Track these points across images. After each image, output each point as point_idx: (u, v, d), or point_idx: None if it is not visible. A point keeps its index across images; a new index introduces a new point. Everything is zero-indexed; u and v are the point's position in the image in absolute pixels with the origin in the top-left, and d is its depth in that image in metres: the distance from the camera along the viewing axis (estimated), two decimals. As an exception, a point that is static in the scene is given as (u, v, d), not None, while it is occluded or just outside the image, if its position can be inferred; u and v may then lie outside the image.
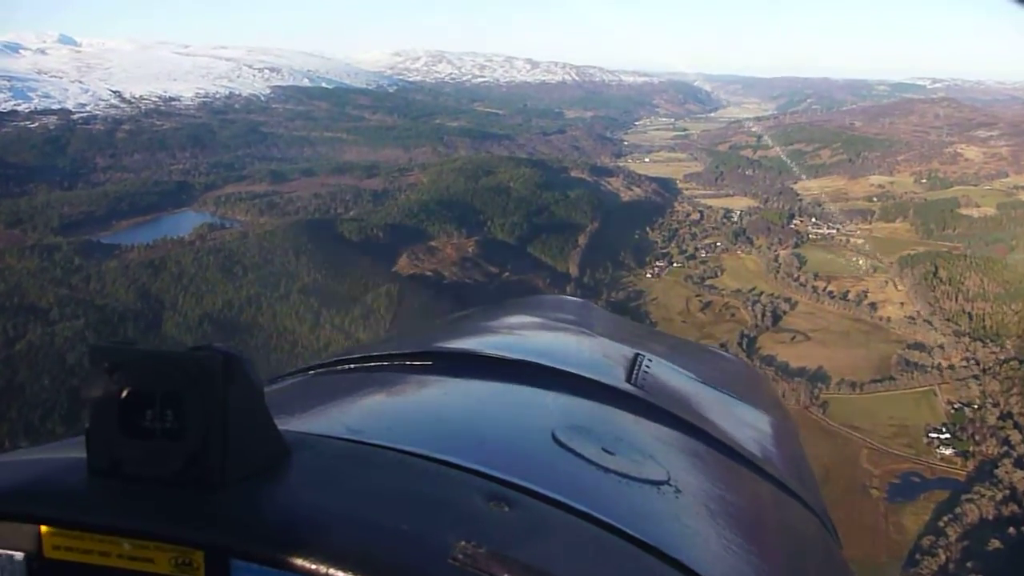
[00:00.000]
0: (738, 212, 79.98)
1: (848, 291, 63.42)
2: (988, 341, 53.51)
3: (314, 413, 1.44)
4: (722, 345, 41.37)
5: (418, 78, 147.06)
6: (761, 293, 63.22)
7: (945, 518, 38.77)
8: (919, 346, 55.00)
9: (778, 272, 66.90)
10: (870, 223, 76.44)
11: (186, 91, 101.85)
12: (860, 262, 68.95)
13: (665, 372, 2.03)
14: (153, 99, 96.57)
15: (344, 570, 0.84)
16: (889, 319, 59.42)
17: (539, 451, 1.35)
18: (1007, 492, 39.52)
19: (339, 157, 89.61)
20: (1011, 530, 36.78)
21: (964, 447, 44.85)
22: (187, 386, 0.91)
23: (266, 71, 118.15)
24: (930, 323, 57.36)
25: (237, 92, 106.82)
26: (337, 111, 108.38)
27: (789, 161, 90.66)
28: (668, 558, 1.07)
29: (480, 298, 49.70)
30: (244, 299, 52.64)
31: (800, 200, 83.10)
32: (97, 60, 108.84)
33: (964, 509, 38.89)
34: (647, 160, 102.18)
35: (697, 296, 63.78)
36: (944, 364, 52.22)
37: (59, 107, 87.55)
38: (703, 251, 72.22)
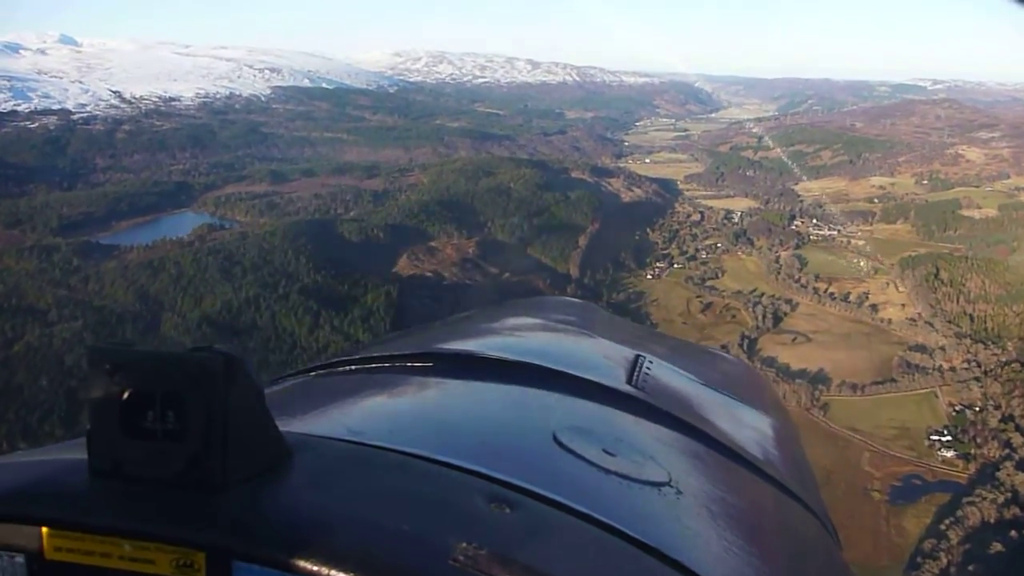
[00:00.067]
0: (739, 213, 79.97)
1: (849, 293, 63.41)
2: (989, 343, 53.47)
3: (315, 414, 1.44)
4: (723, 347, 41.33)
5: (419, 78, 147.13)
6: (762, 294, 63.21)
7: (947, 521, 38.72)
8: (920, 348, 54.95)
9: (779, 273, 66.88)
10: (871, 224, 76.46)
11: (186, 91, 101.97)
12: (861, 263, 68.94)
13: (666, 374, 2.03)
14: (153, 99, 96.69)
15: (345, 571, 0.85)
16: (890, 321, 59.39)
17: (540, 452, 1.35)
18: (1009, 495, 39.48)
19: (339, 157, 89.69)
20: (1013, 533, 36.74)
21: (965, 449, 44.80)
22: (188, 387, 0.92)
23: (266, 71, 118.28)
24: (931, 325, 57.31)
25: (237, 92, 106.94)
26: (337, 111, 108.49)
27: (790, 162, 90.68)
28: (669, 559, 1.07)
29: (480, 299, 49.70)
30: (243, 300, 52.64)
31: (801, 201, 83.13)
32: (97, 60, 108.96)
33: (966, 512, 38.84)
34: (648, 161, 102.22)
35: (698, 297, 63.77)
36: (945, 366, 52.16)
37: (59, 107, 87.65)
38: (704, 252, 72.21)
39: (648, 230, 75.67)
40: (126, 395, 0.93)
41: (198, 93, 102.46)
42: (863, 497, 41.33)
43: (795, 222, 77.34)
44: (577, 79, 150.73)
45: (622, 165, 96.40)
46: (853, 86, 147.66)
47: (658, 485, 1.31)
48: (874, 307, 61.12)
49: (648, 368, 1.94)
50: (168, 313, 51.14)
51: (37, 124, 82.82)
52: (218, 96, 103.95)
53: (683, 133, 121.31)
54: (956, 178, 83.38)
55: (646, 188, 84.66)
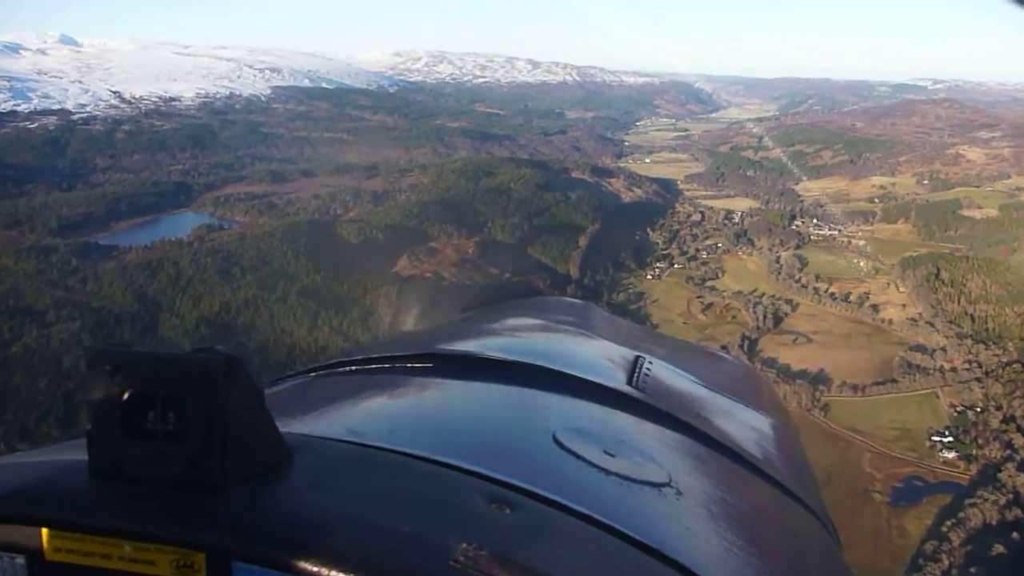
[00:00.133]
0: (739, 213, 79.93)
1: (850, 293, 63.36)
2: (991, 343, 53.41)
3: (315, 415, 1.44)
4: (723, 347, 41.37)
5: (419, 78, 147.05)
6: (762, 295, 63.18)
7: (948, 522, 38.63)
8: (921, 348, 54.89)
9: (779, 274, 66.85)
10: (872, 224, 76.43)
11: (186, 91, 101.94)
12: (862, 264, 68.91)
13: (666, 374, 2.03)
14: (153, 99, 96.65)
15: (345, 572, 0.85)
16: (891, 321, 59.33)
17: (540, 453, 1.35)
18: (1010, 496, 39.42)
19: (339, 157, 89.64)
20: (1014, 535, 36.68)
21: (967, 451, 44.72)
22: (189, 388, 0.92)
23: (266, 71, 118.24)
24: (932, 325, 57.26)
25: (237, 92, 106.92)
26: (337, 111, 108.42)
27: (790, 162, 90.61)
28: (669, 560, 1.07)
29: (480, 300, 49.61)
30: (242, 301, 52.64)
31: (801, 201, 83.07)
32: (97, 60, 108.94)
33: (967, 513, 38.77)
34: (648, 161, 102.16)
35: (698, 298, 63.75)
36: (946, 367, 52.09)
37: (59, 107, 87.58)
38: (704, 252, 72.18)
39: (648, 230, 75.65)
40: (126, 396, 0.93)
41: (198, 93, 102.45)
42: (864, 498, 41.30)
43: (795, 222, 77.27)
44: (577, 79, 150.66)
45: (622, 165, 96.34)
46: (853, 86, 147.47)
47: (658, 486, 1.31)
48: (875, 307, 61.07)
49: (648, 369, 1.94)
50: (166, 314, 51.14)
51: (37, 124, 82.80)
52: (218, 96, 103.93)
53: (683, 133, 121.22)
54: (957, 178, 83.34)
55: (646, 188, 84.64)
